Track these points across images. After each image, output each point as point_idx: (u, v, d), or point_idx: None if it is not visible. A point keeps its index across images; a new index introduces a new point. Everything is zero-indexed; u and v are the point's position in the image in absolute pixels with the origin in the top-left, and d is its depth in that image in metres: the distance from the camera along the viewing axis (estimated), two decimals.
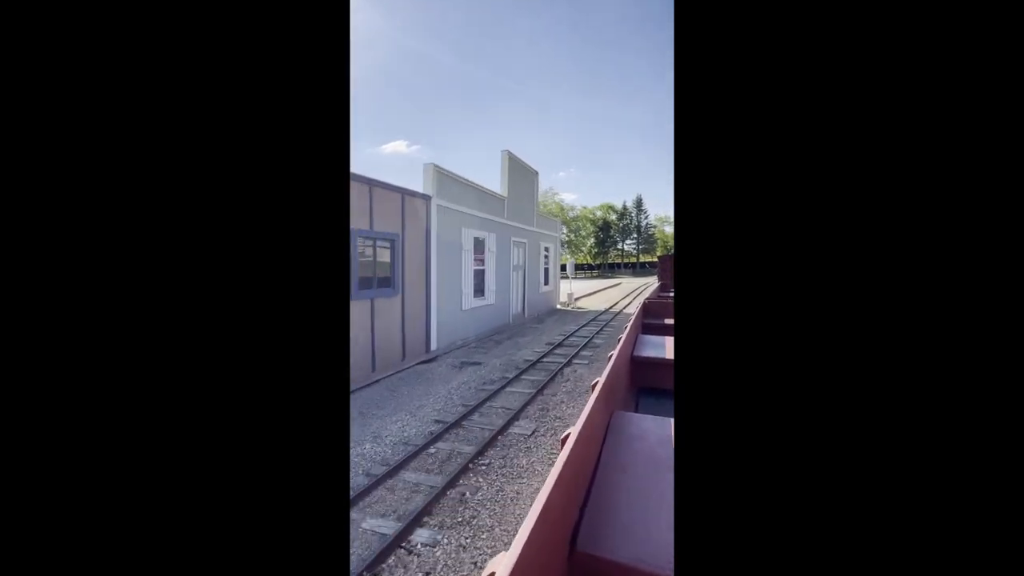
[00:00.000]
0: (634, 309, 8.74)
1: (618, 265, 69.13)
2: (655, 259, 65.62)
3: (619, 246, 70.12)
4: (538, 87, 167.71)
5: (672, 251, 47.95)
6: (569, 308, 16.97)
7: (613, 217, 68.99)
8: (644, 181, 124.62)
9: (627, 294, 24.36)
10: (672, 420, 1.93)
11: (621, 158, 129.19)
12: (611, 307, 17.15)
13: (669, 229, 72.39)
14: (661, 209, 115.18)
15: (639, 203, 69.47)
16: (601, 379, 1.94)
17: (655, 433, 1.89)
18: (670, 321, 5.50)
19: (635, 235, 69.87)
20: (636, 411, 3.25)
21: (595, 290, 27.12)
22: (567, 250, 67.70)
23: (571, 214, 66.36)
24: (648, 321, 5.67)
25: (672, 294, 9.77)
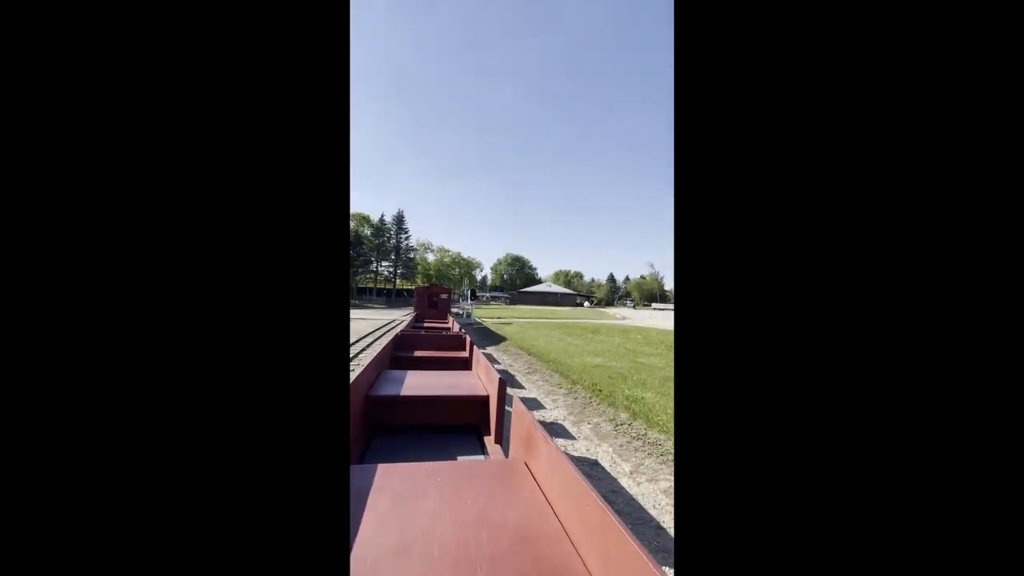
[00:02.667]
0: None
1: (370, 291, 54.85)
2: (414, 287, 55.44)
3: (373, 267, 56.46)
4: None
5: (431, 283, 39.37)
6: None
7: (367, 231, 55.10)
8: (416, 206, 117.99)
9: None
10: (410, 464, 1.93)
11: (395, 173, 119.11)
12: None
13: (431, 257, 64.02)
14: (425, 234, 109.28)
15: (400, 220, 58.32)
16: None
17: (389, 487, 1.72)
18: (420, 353, 5.31)
19: (393, 256, 57.94)
20: (363, 460, 2.77)
21: None
22: None
23: None
24: (399, 354, 5.11)
25: (422, 325, 11.07)
